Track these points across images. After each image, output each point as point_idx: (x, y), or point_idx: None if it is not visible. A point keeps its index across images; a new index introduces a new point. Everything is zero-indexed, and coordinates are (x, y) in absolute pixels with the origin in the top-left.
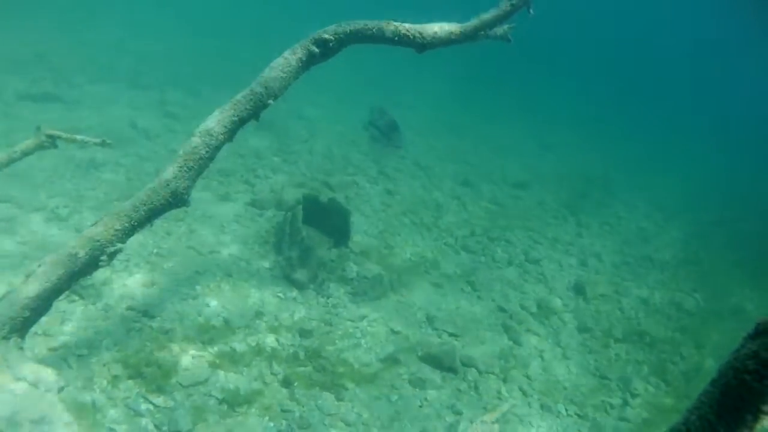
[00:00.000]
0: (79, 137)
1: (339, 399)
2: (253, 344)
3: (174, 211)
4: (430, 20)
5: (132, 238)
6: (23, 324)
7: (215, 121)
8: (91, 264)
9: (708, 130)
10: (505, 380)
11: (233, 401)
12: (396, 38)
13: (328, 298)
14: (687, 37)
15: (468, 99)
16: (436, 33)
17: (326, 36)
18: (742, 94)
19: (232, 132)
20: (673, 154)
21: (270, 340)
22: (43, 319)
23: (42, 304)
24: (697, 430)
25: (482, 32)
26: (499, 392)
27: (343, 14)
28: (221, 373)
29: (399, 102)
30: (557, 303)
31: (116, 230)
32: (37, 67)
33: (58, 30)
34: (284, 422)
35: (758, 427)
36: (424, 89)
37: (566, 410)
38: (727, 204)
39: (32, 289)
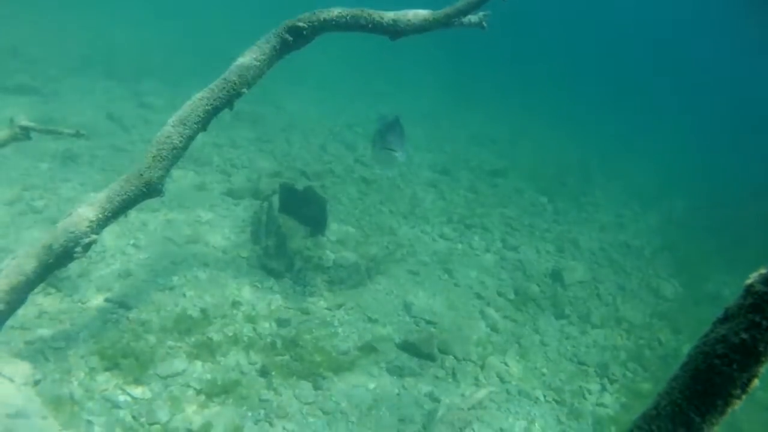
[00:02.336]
0: (53, 128)
1: (317, 388)
2: (230, 334)
3: (150, 202)
4: (405, 7)
5: (108, 229)
6: None
7: (188, 111)
8: (66, 256)
9: (686, 118)
10: (482, 367)
11: (211, 391)
12: (370, 26)
13: (305, 286)
14: (663, 24)
15: (443, 87)
16: (409, 20)
17: (300, 24)
18: (718, 82)
19: (205, 121)
20: (650, 142)
21: (247, 330)
22: (19, 312)
23: (17, 297)
24: (668, 415)
25: (456, 19)
26: (476, 379)
27: (319, 3)
28: (198, 363)
29: (377, 91)
30: (535, 290)
31: (91, 221)
32: (11, 59)
33: (32, 21)
34: (262, 412)
35: (729, 411)
36: (401, 77)
37: (544, 396)
38: (704, 191)
39: (6, 282)
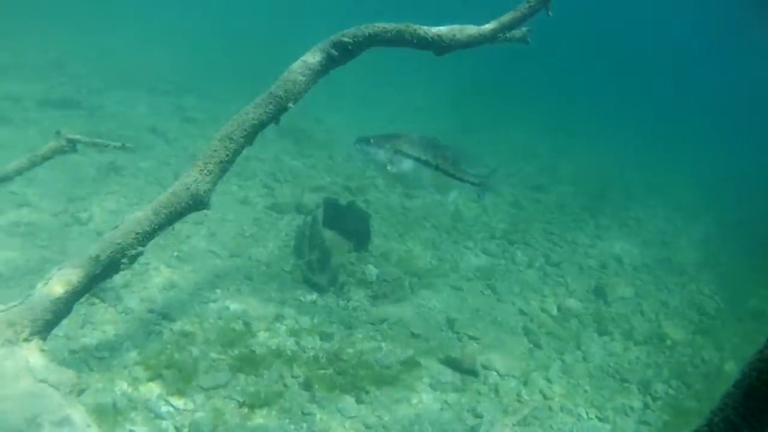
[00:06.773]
0: (99, 141)
1: (359, 402)
2: (274, 347)
3: (194, 215)
4: (449, 23)
5: (152, 242)
6: (45, 326)
7: (235, 125)
8: (112, 267)
9: (729, 128)
10: (525, 383)
11: (254, 404)
12: (415, 41)
13: (348, 301)
14: (698, 33)
15: (483, 102)
16: (455, 36)
17: (345, 39)
18: (760, 89)
19: (252, 136)
20: (692, 154)
21: (290, 344)
22: (65, 321)
23: (63, 307)
24: None
25: (501, 34)
26: (519, 395)
27: (361, 18)
28: (241, 375)
29: (416, 106)
30: (577, 306)
31: (137, 234)
32: (55, 73)
33: (75, 36)
34: (305, 425)
35: None
36: (440, 93)
37: (587, 413)
38: (748, 204)
39: (53, 291)
